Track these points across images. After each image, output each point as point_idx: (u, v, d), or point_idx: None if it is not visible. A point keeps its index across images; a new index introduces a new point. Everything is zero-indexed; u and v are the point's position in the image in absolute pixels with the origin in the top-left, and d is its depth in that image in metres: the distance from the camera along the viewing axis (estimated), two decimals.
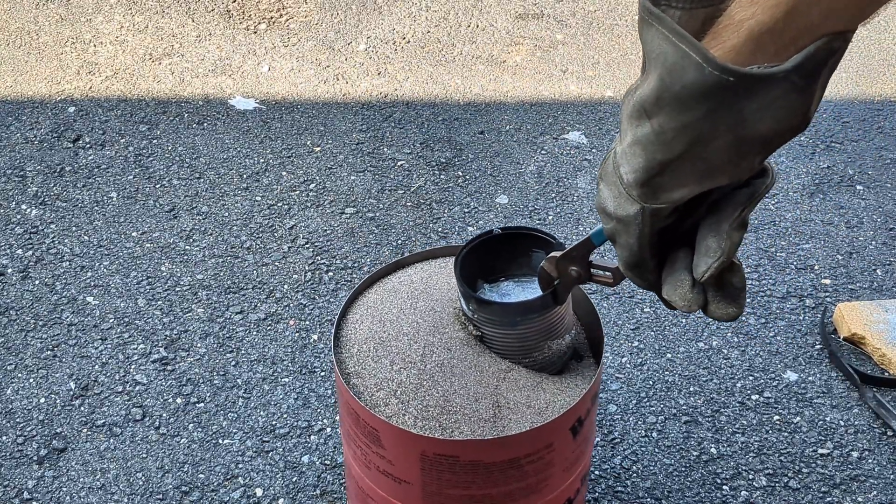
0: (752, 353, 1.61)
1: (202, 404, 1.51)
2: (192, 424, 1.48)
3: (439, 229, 1.89)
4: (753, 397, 1.53)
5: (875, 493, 1.38)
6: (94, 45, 2.47)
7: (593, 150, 2.14)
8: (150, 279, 1.75)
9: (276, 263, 1.80)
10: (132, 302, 1.70)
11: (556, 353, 1.03)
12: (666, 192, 0.65)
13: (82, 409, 1.50)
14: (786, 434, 1.47)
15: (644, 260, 0.71)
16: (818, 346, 1.62)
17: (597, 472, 1.41)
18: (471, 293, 1.01)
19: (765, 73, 0.54)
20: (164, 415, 1.49)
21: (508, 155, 2.12)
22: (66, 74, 2.36)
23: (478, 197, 1.98)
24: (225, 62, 2.42)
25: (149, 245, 1.84)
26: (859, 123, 2.24)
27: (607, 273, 0.90)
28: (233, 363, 1.58)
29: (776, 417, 1.50)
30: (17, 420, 1.48)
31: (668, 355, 1.60)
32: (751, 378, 1.56)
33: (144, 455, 1.43)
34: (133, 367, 1.57)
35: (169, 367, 1.57)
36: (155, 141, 2.14)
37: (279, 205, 1.95)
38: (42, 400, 1.52)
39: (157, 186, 2.00)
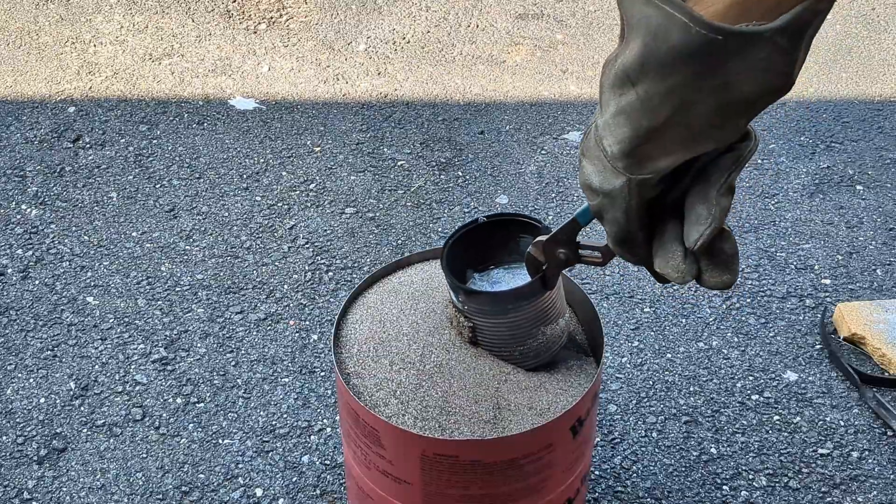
0: (752, 353, 1.61)
1: (202, 404, 1.51)
2: (192, 424, 1.48)
3: (439, 229, 1.89)
4: (753, 397, 1.53)
5: (875, 493, 1.38)
6: (94, 45, 2.47)
7: None
8: (150, 279, 1.75)
9: (276, 263, 1.80)
10: (132, 302, 1.70)
11: (550, 338, 1.02)
12: (652, 161, 0.64)
13: (82, 409, 1.50)
14: (786, 434, 1.47)
15: (633, 234, 0.71)
16: (818, 346, 1.62)
17: (597, 472, 1.41)
18: (458, 284, 0.99)
19: (752, 31, 0.54)
20: (164, 415, 1.49)
21: (508, 155, 2.12)
22: (66, 74, 2.36)
23: (478, 197, 1.98)
24: (225, 62, 2.42)
25: (149, 245, 1.84)
26: (859, 123, 2.24)
27: (596, 253, 0.88)
28: (233, 363, 1.58)
29: (776, 417, 1.50)
30: (17, 420, 1.48)
31: (668, 355, 1.60)
32: (751, 378, 1.56)
33: (144, 455, 1.43)
34: (133, 367, 1.58)
35: (169, 367, 1.57)
36: (155, 141, 2.14)
37: (279, 205, 1.95)
38: (42, 400, 1.52)
39: (157, 186, 2.00)
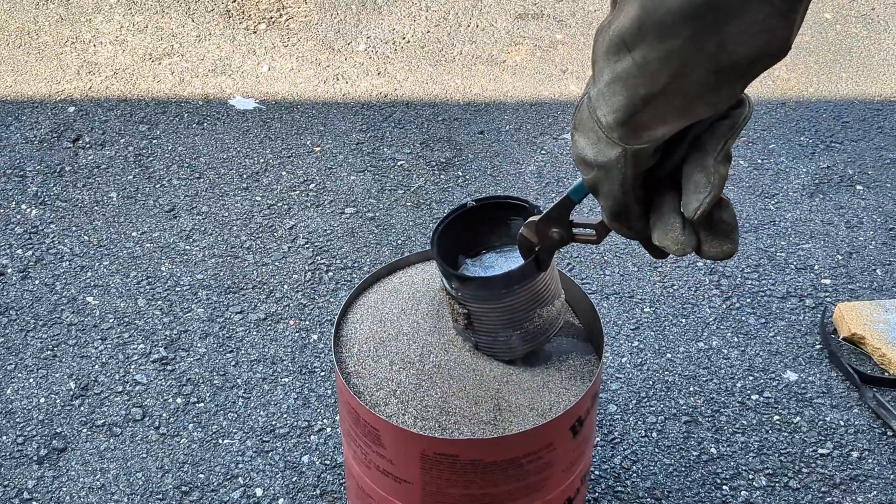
0: (752, 353, 1.61)
1: (202, 404, 1.51)
2: (191, 424, 1.48)
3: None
4: (753, 397, 1.53)
5: (875, 493, 1.38)
6: (94, 45, 2.47)
7: None
8: (150, 279, 1.75)
9: (276, 263, 1.80)
10: (132, 302, 1.70)
11: (547, 320, 1.00)
12: (648, 130, 0.63)
13: (82, 409, 1.50)
14: (786, 434, 1.47)
15: (629, 206, 0.69)
16: (818, 346, 1.62)
17: (597, 472, 1.41)
18: (450, 270, 0.97)
19: None
20: (164, 415, 1.49)
21: (508, 155, 2.12)
22: (66, 74, 2.36)
23: (478, 197, 1.98)
24: (225, 62, 2.42)
25: (149, 245, 1.84)
26: (859, 123, 2.24)
27: (590, 230, 0.86)
28: (233, 363, 1.58)
29: (776, 417, 1.50)
30: (17, 420, 1.48)
31: (668, 355, 1.60)
32: (751, 378, 1.56)
33: (144, 455, 1.43)
34: (133, 367, 1.58)
35: (169, 367, 1.57)
36: (155, 141, 2.14)
37: (279, 205, 1.95)
38: (42, 400, 1.52)
39: (157, 186, 2.00)
